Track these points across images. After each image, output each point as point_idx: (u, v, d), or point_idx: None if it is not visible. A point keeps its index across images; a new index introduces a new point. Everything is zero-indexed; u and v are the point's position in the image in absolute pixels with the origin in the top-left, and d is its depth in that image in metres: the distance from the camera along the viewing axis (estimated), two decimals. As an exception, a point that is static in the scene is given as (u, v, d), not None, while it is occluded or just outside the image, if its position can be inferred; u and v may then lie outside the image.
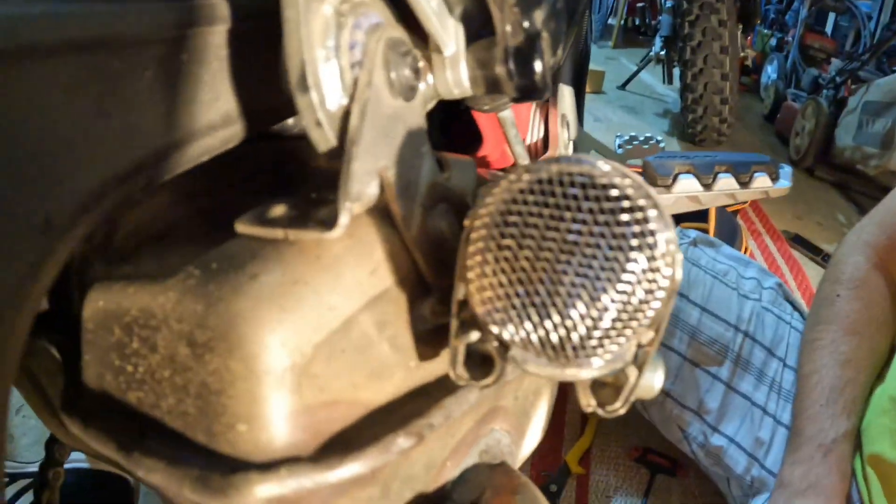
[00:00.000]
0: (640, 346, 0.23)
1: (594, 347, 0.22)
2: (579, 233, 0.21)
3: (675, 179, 0.57)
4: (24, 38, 0.15)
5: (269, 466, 0.21)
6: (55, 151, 0.17)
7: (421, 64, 0.28)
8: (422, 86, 0.29)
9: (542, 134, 0.63)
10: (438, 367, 0.29)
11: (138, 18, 0.19)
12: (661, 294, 0.21)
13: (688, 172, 0.57)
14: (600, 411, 0.24)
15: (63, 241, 0.17)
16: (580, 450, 1.06)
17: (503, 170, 0.56)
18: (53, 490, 0.39)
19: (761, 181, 0.55)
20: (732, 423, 0.78)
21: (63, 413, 0.26)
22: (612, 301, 0.21)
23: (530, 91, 0.29)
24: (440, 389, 0.28)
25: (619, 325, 0.22)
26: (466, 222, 0.24)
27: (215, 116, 0.24)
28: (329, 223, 0.22)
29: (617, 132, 2.22)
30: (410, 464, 0.28)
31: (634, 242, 0.21)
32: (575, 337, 0.22)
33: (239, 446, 0.21)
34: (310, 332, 0.22)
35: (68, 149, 0.17)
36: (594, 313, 0.22)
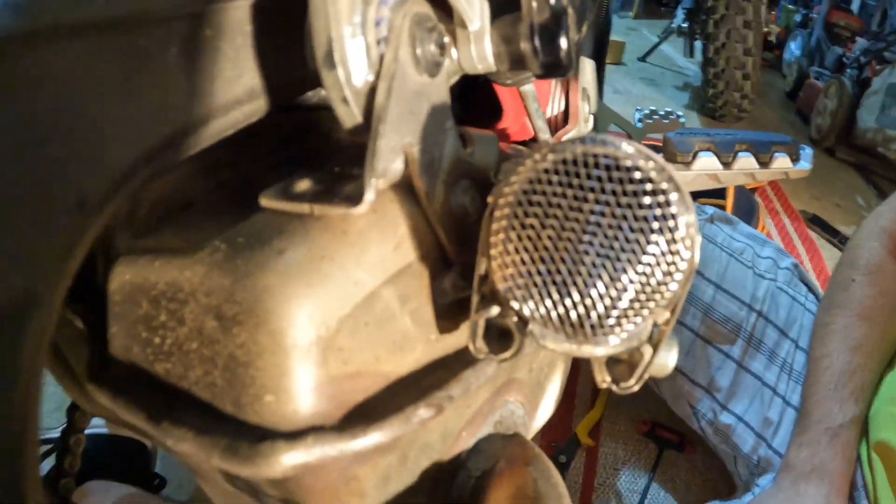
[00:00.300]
0: (655, 325, 0.23)
1: (612, 326, 0.23)
2: (602, 214, 0.21)
3: (694, 156, 0.56)
4: (50, 19, 0.15)
5: (296, 435, 0.21)
6: (86, 131, 0.17)
7: (446, 39, 0.28)
8: (446, 61, 0.29)
9: (562, 107, 0.63)
10: (458, 339, 0.30)
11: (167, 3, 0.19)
12: (679, 276, 0.22)
13: (708, 150, 0.56)
14: (614, 387, 0.24)
15: (96, 219, 0.17)
16: (590, 422, 1.08)
17: (523, 143, 0.55)
18: (75, 455, 0.40)
19: (781, 162, 0.54)
20: (742, 402, 0.79)
21: (90, 383, 0.27)
22: (631, 281, 0.22)
23: (555, 68, 0.29)
24: (459, 362, 0.29)
25: (636, 304, 0.22)
26: (490, 199, 0.24)
27: (240, 91, 0.24)
28: (355, 199, 0.22)
29: (637, 105, 2.18)
30: (428, 433, 0.29)
31: (655, 225, 0.21)
32: (594, 315, 0.22)
33: (266, 416, 0.22)
34: (335, 306, 0.23)
35: (99, 128, 0.18)
36: (613, 293, 0.22)
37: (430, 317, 0.28)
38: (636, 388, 0.25)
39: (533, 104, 0.46)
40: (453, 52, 0.30)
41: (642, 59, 2.88)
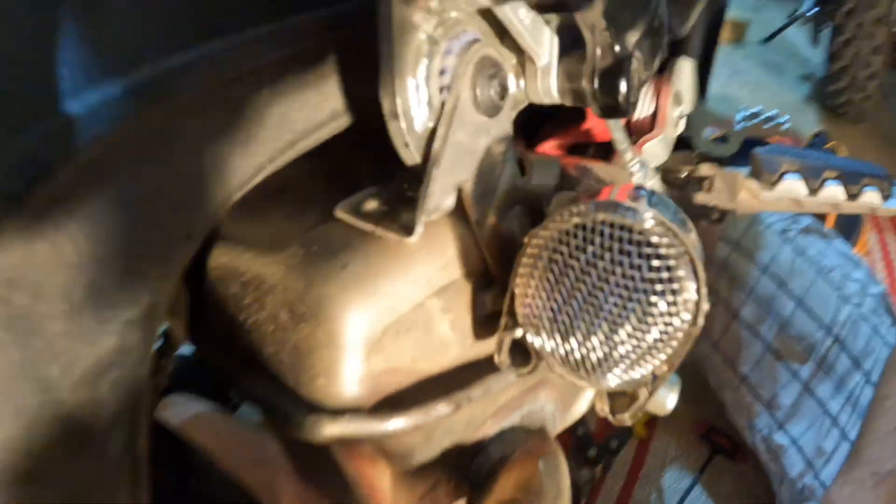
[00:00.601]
0: (654, 374, 0.26)
1: (609, 369, 0.26)
2: (613, 272, 0.24)
3: (780, 178, 0.54)
4: (169, 90, 0.20)
5: (337, 413, 0.27)
6: (196, 176, 0.22)
7: (509, 81, 0.30)
8: (509, 96, 0.32)
9: (651, 110, 0.62)
10: (491, 346, 0.34)
11: (256, 53, 0.23)
12: (678, 335, 0.24)
13: (796, 172, 0.54)
14: (610, 417, 0.27)
15: (199, 241, 0.23)
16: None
17: (607, 145, 0.55)
18: (164, 373, 0.48)
19: (870, 197, 0.51)
20: (799, 425, 0.77)
21: (189, 323, 0.33)
22: (630, 335, 0.24)
23: (613, 111, 0.31)
24: (488, 366, 0.33)
25: (633, 356, 0.25)
26: (525, 239, 0.27)
27: (324, 114, 0.28)
28: (408, 229, 0.26)
29: (752, 90, 2.00)
30: (453, 420, 0.34)
31: (659, 288, 0.23)
32: (593, 357, 0.25)
33: (316, 394, 0.27)
34: (383, 315, 0.28)
35: (205, 173, 0.22)
36: (611, 343, 0.25)
37: (468, 325, 0.32)
38: (628, 422, 0.27)
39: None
40: (521, 83, 0.33)
41: (766, 41, 2.61)
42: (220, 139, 0.23)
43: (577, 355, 0.26)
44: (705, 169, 0.63)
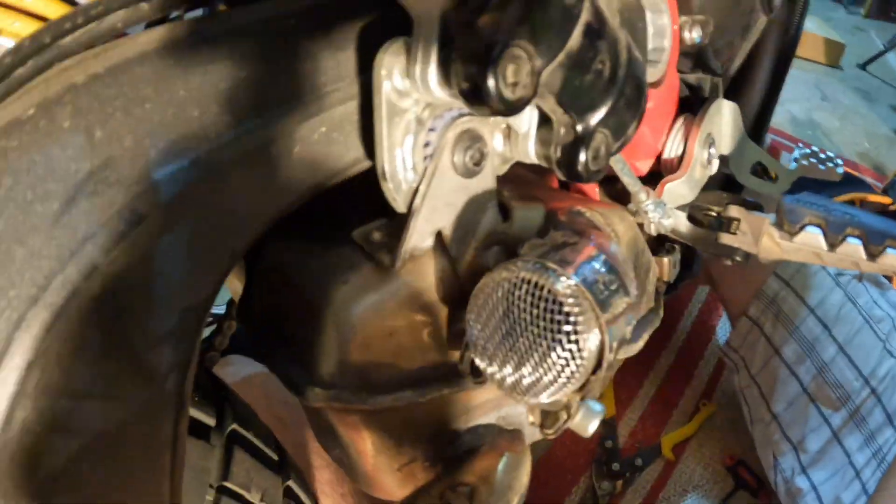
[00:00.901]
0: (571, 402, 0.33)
1: (536, 394, 0.33)
2: (534, 318, 0.31)
3: (801, 229, 0.56)
4: (215, 168, 0.29)
5: (328, 386, 0.36)
6: (239, 216, 0.31)
7: (486, 150, 0.37)
8: (500, 149, 0.39)
9: (680, 151, 0.65)
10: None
11: (288, 132, 0.32)
12: (577, 377, 0.30)
13: (818, 226, 0.55)
14: (537, 431, 0.34)
15: (241, 257, 0.32)
16: (679, 436, 1.10)
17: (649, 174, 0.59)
18: (225, 337, 0.60)
19: (891, 259, 0.51)
20: (822, 472, 0.77)
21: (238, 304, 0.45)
22: (547, 371, 0.31)
23: (575, 177, 0.37)
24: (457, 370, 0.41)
25: (553, 386, 0.32)
26: (480, 282, 0.34)
27: (343, 164, 0.37)
28: (393, 261, 0.35)
29: (842, 116, 1.86)
30: (434, 407, 0.42)
31: (564, 339, 0.30)
32: (524, 383, 0.33)
33: (315, 370, 0.37)
34: (372, 321, 0.36)
35: (246, 212, 0.32)
36: (536, 375, 0.32)
37: (444, 335, 0.40)
38: (552, 437, 0.34)
39: (618, 164, 0.52)
40: (507, 146, 0.40)
41: (863, 66, 2.38)
42: (261, 189, 0.32)
43: (511, 380, 0.33)
44: (733, 211, 0.66)
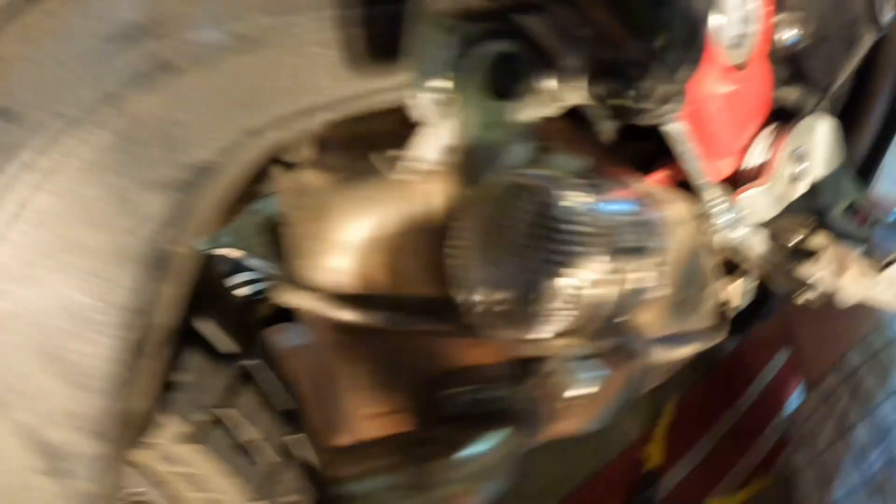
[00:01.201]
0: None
1: (532, 323, 0.29)
2: (530, 234, 0.27)
3: (888, 264, 0.48)
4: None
5: (313, 292, 0.35)
6: (264, 94, 0.31)
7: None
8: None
9: (762, 160, 0.59)
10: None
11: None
12: (566, 312, 0.27)
13: (910, 259, 0.48)
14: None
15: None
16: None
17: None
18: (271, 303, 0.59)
19: None
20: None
21: None
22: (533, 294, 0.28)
23: (620, 114, 0.33)
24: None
25: (552, 308, 0.28)
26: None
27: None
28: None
29: None
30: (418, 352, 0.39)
31: (560, 258, 0.26)
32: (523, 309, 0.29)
33: (309, 277, 0.36)
34: (367, 232, 0.35)
35: (270, 91, 0.31)
36: (532, 294, 0.28)
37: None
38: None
39: (679, 146, 0.47)
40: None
41: None
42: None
43: (498, 308, 0.30)
44: (819, 239, 0.58)
